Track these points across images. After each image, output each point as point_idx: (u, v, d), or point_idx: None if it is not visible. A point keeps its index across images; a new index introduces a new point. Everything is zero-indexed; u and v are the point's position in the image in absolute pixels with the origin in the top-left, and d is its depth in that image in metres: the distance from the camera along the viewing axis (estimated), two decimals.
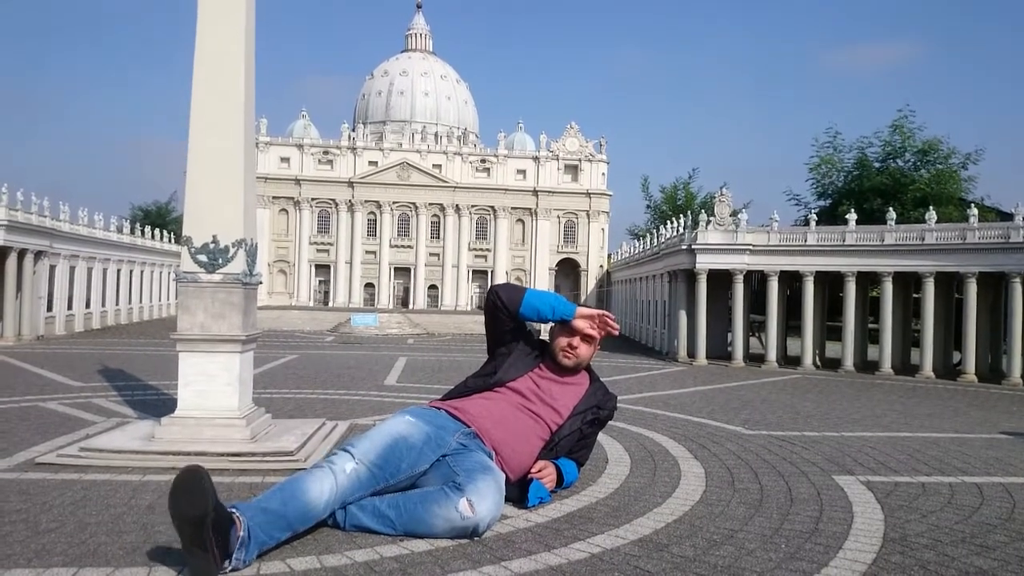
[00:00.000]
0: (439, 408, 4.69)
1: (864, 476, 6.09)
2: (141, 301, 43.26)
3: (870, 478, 6.03)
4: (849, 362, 23.80)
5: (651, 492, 5.25)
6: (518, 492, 4.58)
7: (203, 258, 6.26)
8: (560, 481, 4.85)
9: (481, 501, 4.00)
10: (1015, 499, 5.45)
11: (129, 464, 5.53)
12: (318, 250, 69.01)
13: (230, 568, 3.36)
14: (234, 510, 3.49)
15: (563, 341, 4.88)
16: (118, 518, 4.22)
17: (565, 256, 69.84)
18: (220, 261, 6.27)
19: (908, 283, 24.79)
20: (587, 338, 4.89)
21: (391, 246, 69.03)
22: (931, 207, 25.21)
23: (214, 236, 6.26)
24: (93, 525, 4.08)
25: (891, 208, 25.47)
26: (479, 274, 70.24)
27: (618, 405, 5.32)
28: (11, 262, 27.08)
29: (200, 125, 6.42)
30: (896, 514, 4.87)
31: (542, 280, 67.13)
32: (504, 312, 4.94)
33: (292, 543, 3.79)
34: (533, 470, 4.68)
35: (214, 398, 6.20)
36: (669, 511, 4.75)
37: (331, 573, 3.46)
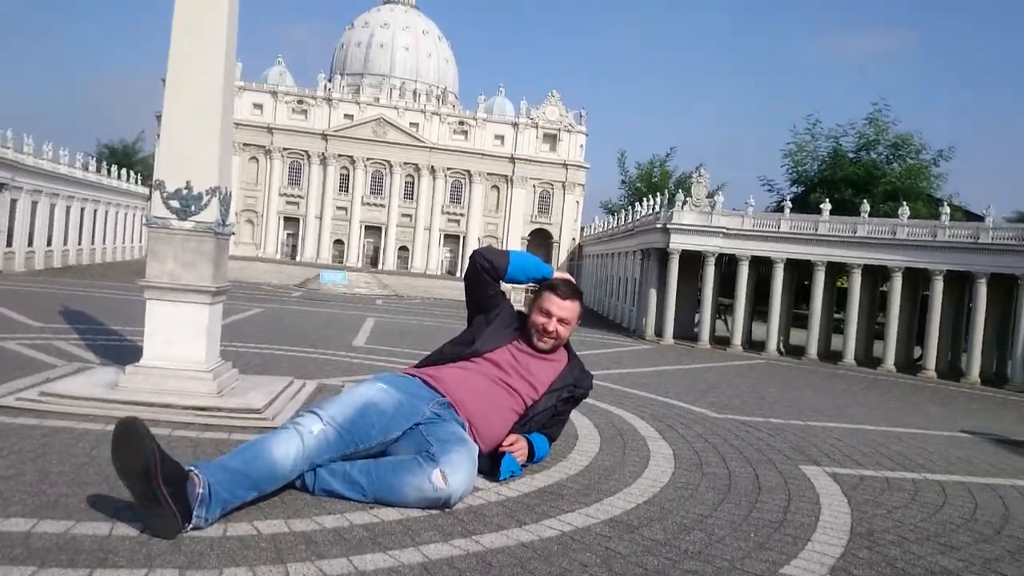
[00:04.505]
0: (413, 376, 4.60)
1: (830, 467, 6.15)
2: (104, 242, 42.40)
3: (836, 470, 6.08)
4: (813, 350, 24.22)
5: (621, 471, 5.24)
6: (489, 464, 4.53)
7: (175, 204, 6.05)
8: (531, 456, 4.81)
9: (454, 473, 3.94)
10: (977, 500, 5.54)
11: (91, 412, 5.37)
12: (288, 202, 68.07)
13: (191, 527, 3.26)
14: (192, 468, 3.38)
15: (539, 322, 4.78)
16: (79, 468, 4.09)
17: (538, 226, 69.79)
18: (193, 208, 6.06)
19: (876, 276, 25.19)
20: (563, 320, 4.81)
21: (363, 204, 68.31)
22: (902, 202, 25.56)
23: (187, 182, 6.05)
24: (54, 475, 3.94)
25: (863, 200, 25.77)
26: (451, 238, 69.94)
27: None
28: None
29: (180, 65, 6.17)
30: (862, 508, 4.91)
31: (514, 248, 67.00)
32: (491, 274, 4.84)
33: (259, 504, 3.69)
34: (505, 443, 4.62)
35: (181, 349, 6.04)
36: (639, 492, 4.74)
37: (300, 538, 3.38)
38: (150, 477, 3.13)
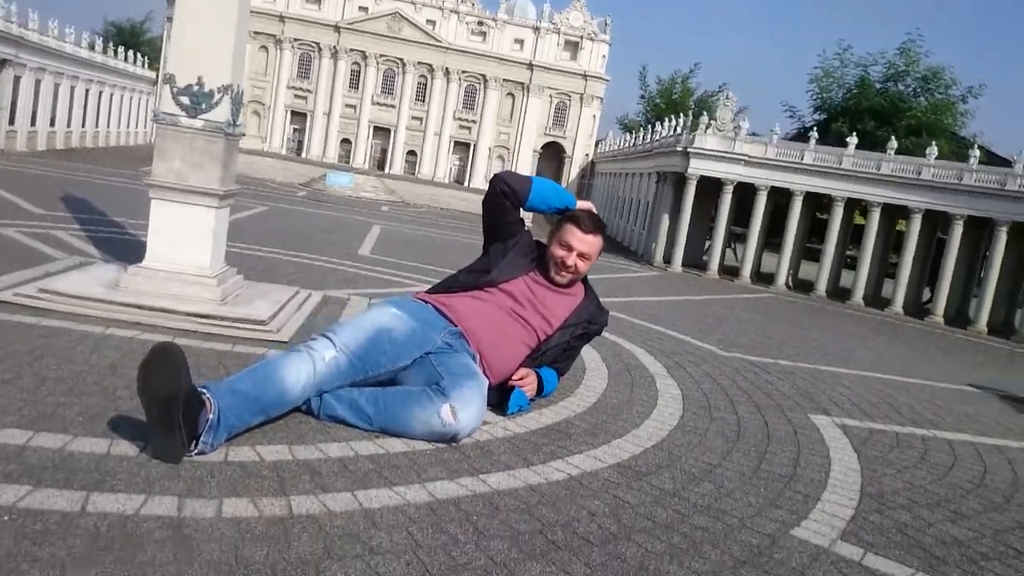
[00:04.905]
0: (426, 302, 4.44)
1: (839, 418, 6.06)
2: (109, 125, 41.78)
3: (845, 421, 6.00)
4: (823, 287, 24.06)
5: (628, 411, 5.14)
6: (498, 397, 4.43)
7: (185, 100, 5.76)
8: (540, 390, 4.69)
9: (464, 409, 3.83)
10: (986, 462, 5.47)
11: (91, 313, 5.23)
12: (296, 96, 66.64)
13: (195, 451, 3.16)
14: (204, 390, 3.26)
15: (559, 255, 4.57)
16: (78, 376, 3.97)
17: (552, 139, 68.43)
18: (203, 106, 5.77)
19: (894, 215, 24.80)
20: (584, 255, 4.61)
21: (373, 103, 66.87)
22: (926, 137, 24.92)
23: (199, 78, 5.74)
24: (52, 381, 3.82)
25: (886, 132, 25.11)
26: (461, 146, 68.78)
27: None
28: None
29: None
30: (872, 466, 4.83)
31: (525, 161, 66.09)
32: (512, 199, 4.61)
33: (263, 428, 3.59)
34: (515, 377, 4.51)
35: (185, 252, 5.87)
36: (647, 435, 4.65)
37: (304, 467, 3.29)
38: (174, 405, 3.03)
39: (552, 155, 68.63)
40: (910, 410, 7.06)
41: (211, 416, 3.18)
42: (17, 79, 29.57)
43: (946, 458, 5.39)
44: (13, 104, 29.47)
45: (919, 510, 4.13)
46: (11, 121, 29.32)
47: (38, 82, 31.60)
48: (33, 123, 31.54)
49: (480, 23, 67.47)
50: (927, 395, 8.23)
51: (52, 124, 33.67)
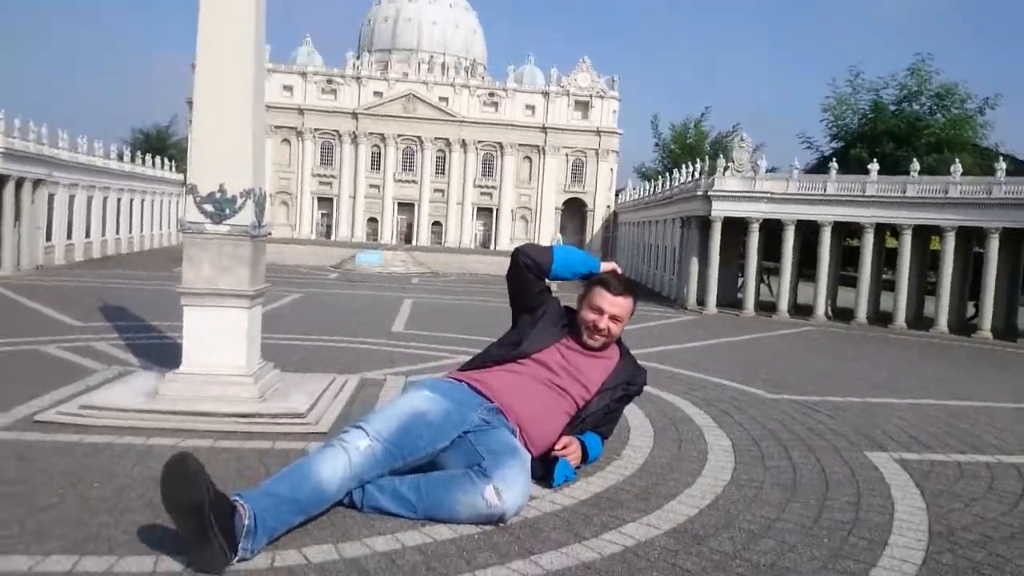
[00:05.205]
0: (459, 380, 4.40)
1: (897, 452, 5.85)
2: (142, 230, 42.99)
3: (903, 455, 5.78)
4: (862, 313, 23.56)
5: (679, 469, 5.01)
6: (542, 469, 4.33)
7: (209, 208, 5.90)
8: (585, 457, 4.59)
9: (508, 489, 3.74)
10: None
11: (132, 424, 5.28)
12: (321, 182, 68.21)
13: (237, 559, 3.11)
14: (237, 498, 3.24)
15: (590, 319, 4.52)
16: (121, 492, 3.97)
17: (572, 196, 68.95)
18: (227, 212, 5.90)
19: (926, 234, 24.37)
20: (615, 318, 4.56)
21: (395, 180, 68.18)
22: (948, 153, 24.64)
23: (221, 185, 5.88)
24: (95, 501, 3.83)
25: (907, 152, 24.93)
26: (484, 211, 69.59)
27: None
28: (9, 191, 26.65)
29: (207, 68, 5.97)
30: (938, 501, 4.63)
31: (548, 219, 66.54)
32: (535, 271, 4.60)
33: (306, 526, 3.54)
34: (557, 447, 4.41)
35: (221, 354, 5.92)
36: (700, 493, 4.51)
37: (351, 566, 3.22)
38: (202, 514, 3.00)
39: (574, 211, 69.12)
40: (970, 436, 6.80)
41: (247, 522, 3.15)
42: (51, 197, 30.67)
43: (1015, 484, 5.16)
44: (49, 221, 30.54)
45: (993, 546, 3.93)
46: (48, 237, 30.32)
47: (71, 197, 32.78)
48: (69, 236, 32.60)
49: (491, 94, 68.97)
50: (986, 417, 7.93)
51: (87, 235, 34.77)
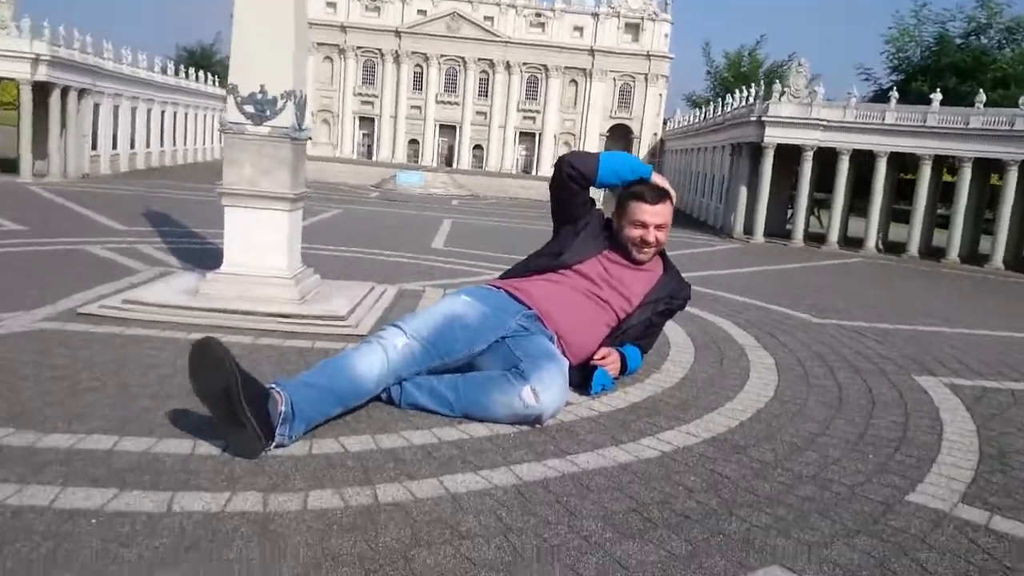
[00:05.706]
0: (498, 288, 4.31)
1: (947, 378, 5.67)
2: (185, 143, 43.23)
3: (954, 380, 5.61)
4: (914, 247, 22.94)
5: (720, 384, 4.92)
6: (580, 377, 4.28)
7: (250, 108, 5.80)
8: (624, 369, 4.51)
9: (545, 390, 3.70)
10: None
11: (173, 319, 5.32)
12: (362, 102, 67.59)
13: (274, 445, 3.12)
14: (274, 386, 3.23)
15: (635, 235, 4.37)
16: (162, 381, 4.01)
17: (618, 122, 67.41)
18: (268, 113, 5.81)
19: (987, 168, 23.44)
20: (660, 227, 4.40)
21: (437, 102, 67.25)
22: (1015, 89, 23.50)
23: (262, 86, 5.77)
24: (136, 387, 3.87)
25: (970, 87, 23.81)
26: (526, 136, 68.54)
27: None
28: (54, 99, 26.74)
29: None
30: (989, 425, 4.49)
31: (592, 145, 65.30)
32: (579, 181, 4.44)
33: (345, 419, 3.55)
34: (596, 356, 4.34)
35: (261, 256, 5.92)
36: (742, 407, 4.42)
37: (388, 456, 3.22)
38: (232, 398, 2.99)
39: (620, 137, 67.68)
40: None
41: (283, 408, 3.14)
42: (96, 106, 30.84)
43: None
44: (95, 130, 30.76)
45: None
46: (93, 147, 30.61)
47: (116, 108, 32.91)
48: (114, 147, 32.89)
49: (538, 15, 66.95)
50: None
51: (132, 146, 35.04)
